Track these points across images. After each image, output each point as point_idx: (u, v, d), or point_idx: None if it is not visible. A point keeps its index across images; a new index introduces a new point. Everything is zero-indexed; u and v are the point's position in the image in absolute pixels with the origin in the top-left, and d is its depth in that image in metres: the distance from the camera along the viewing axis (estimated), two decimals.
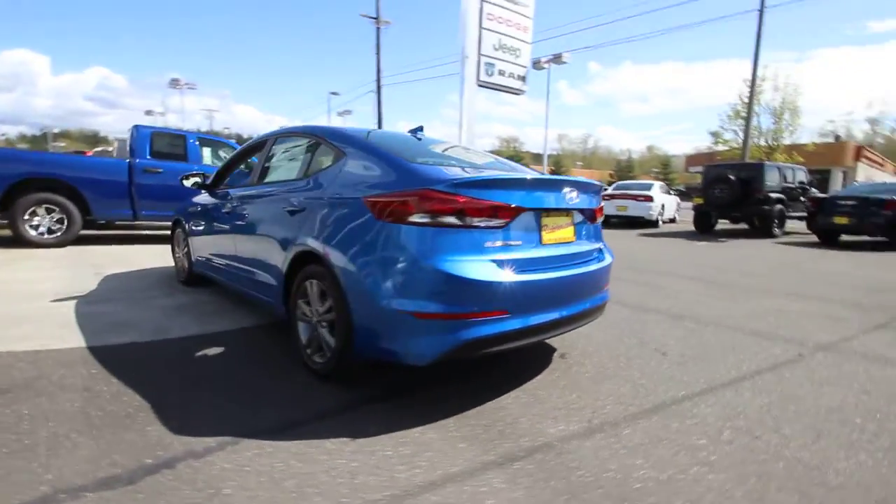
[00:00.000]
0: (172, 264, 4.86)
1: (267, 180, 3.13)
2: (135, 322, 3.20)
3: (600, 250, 2.65)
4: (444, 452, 1.75)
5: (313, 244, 2.30)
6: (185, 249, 4.21)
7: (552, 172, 63.88)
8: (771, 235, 11.18)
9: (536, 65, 22.46)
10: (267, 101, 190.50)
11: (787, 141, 26.55)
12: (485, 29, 13.48)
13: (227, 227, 3.28)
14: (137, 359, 2.59)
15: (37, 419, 1.89)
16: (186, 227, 4.10)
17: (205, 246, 3.79)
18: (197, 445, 1.75)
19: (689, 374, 2.58)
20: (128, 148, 6.72)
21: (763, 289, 5.10)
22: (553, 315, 2.17)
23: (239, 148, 4.02)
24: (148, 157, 6.67)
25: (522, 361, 2.67)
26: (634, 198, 14.01)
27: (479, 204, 1.94)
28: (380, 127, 28.06)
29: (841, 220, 9.55)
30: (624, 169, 65.95)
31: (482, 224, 1.96)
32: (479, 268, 1.91)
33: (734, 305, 4.28)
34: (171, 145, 7.01)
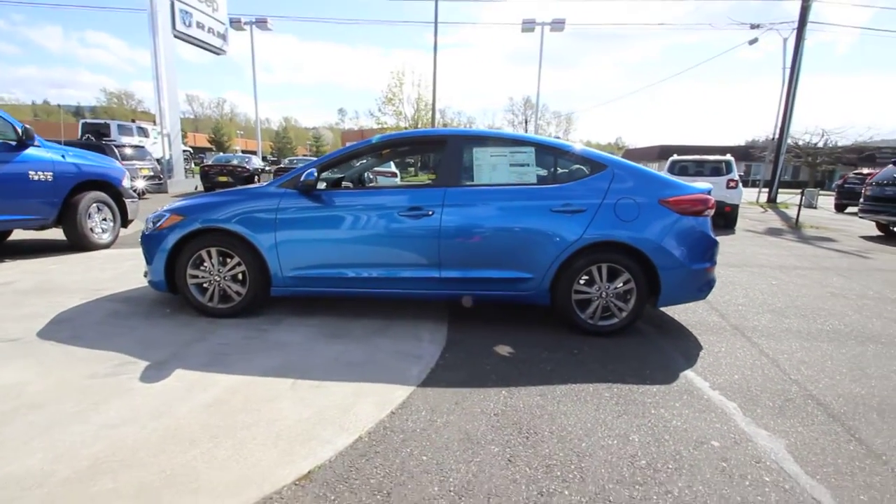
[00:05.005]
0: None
1: (481, 182, 3.16)
2: (351, 358, 2.67)
3: None
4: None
5: (613, 236, 2.95)
6: (237, 269, 3.21)
7: (211, 141, 55.02)
8: None
9: (236, 25, 19.28)
10: None
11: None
12: None
13: (420, 233, 3.06)
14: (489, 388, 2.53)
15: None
16: (257, 239, 3.11)
17: (329, 256, 3.17)
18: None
19: (806, 317, 3.70)
20: None
21: None
22: None
23: (356, 145, 3.41)
24: None
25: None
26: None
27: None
28: None
29: None
30: (283, 141, 65.50)
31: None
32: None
33: None
34: None
